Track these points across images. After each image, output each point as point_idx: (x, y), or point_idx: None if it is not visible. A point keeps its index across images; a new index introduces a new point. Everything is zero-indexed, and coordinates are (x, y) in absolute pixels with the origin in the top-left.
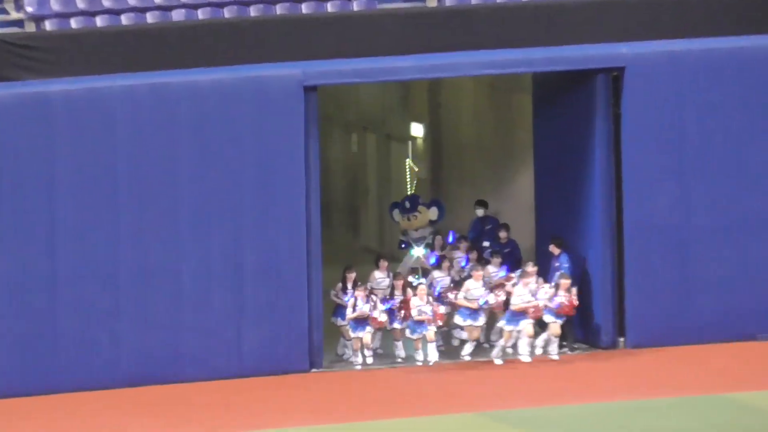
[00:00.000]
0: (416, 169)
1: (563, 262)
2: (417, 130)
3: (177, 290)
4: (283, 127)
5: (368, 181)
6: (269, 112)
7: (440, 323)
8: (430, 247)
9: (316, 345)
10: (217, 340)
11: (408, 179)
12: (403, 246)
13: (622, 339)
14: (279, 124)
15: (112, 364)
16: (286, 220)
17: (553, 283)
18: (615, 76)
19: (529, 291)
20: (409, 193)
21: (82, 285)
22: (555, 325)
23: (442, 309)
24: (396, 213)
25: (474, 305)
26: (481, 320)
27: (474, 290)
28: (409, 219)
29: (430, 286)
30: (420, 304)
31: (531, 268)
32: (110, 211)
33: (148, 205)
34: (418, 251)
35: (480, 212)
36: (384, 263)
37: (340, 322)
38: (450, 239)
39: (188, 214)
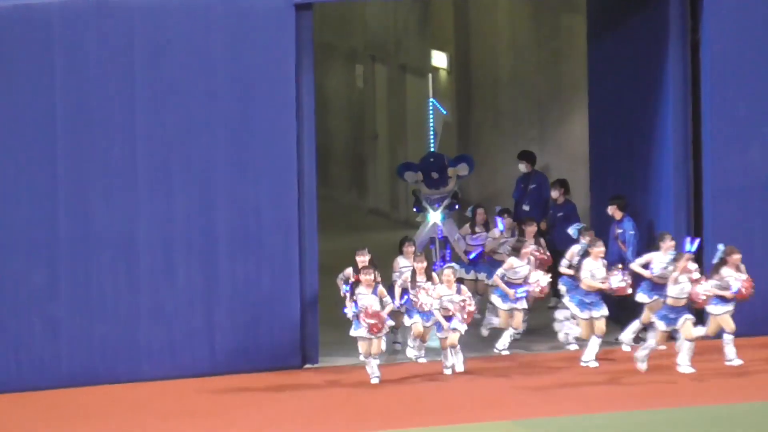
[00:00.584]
0: (444, 113)
1: (628, 229)
2: (439, 60)
3: (131, 265)
4: (267, 57)
5: (377, 125)
6: (250, 37)
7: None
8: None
9: (310, 334)
10: (182, 329)
11: (432, 128)
12: (416, 209)
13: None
14: (262, 52)
15: (48, 358)
16: (271, 175)
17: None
18: None
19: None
20: (431, 150)
21: (8, 257)
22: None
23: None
24: (410, 175)
25: (600, 284)
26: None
27: (597, 271)
28: (438, 188)
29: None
30: (447, 294)
31: (669, 241)
32: (45, 162)
33: (94, 154)
34: (435, 216)
35: (523, 167)
36: (410, 248)
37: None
38: (499, 226)
39: (145, 167)
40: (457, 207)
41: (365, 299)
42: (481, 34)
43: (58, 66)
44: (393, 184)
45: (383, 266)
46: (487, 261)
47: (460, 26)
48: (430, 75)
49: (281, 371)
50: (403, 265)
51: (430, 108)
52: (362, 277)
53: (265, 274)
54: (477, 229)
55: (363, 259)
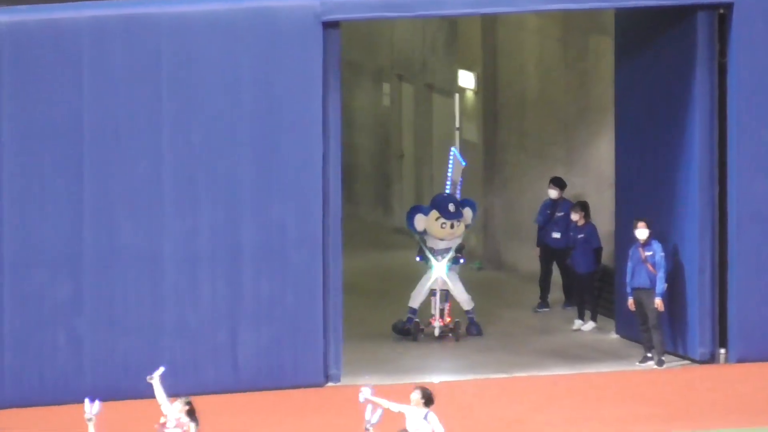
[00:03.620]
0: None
1: (658, 251)
2: (466, 80)
3: (155, 280)
4: (294, 74)
5: (403, 144)
6: (277, 55)
7: None
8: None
9: (333, 352)
10: (206, 345)
11: (450, 174)
12: (419, 258)
13: (723, 351)
14: (289, 69)
15: (71, 372)
16: (296, 192)
17: None
18: (721, 14)
19: None
20: (446, 192)
21: (33, 271)
22: None
23: None
24: (420, 220)
25: None
26: None
27: None
28: (452, 226)
29: None
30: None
31: None
32: (71, 177)
33: (120, 169)
34: (439, 267)
35: (554, 194)
36: (419, 397)
37: None
38: None
39: (170, 182)
40: (462, 261)
41: None
42: (509, 55)
43: (86, 80)
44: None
45: (405, 285)
46: None
47: (487, 46)
48: (456, 95)
49: (304, 389)
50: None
51: (450, 157)
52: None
53: (289, 292)
54: None
55: (182, 408)
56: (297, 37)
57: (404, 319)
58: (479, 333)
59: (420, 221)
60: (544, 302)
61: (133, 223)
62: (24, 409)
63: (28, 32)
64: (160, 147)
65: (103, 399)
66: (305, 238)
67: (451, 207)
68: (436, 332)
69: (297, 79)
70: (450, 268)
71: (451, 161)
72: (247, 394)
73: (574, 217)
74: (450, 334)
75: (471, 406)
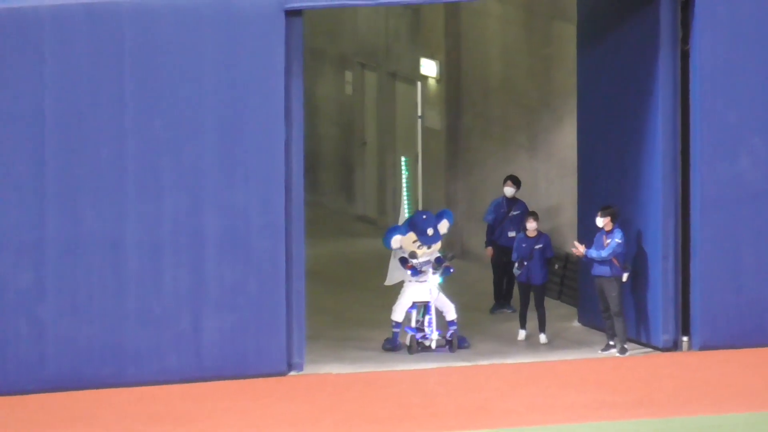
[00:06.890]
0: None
1: (615, 237)
2: (429, 68)
3: (117, 267)
4: (256, 62)
5: (366, 131)
6: (239, 42)
7: None
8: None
9: (296, 340)
10: (169, 333)
11: (404, 189)
12: (411, 272)
13: (686, 338)
14: (252, 57)
15: (33, 361)
16: (259, 179)
17: None
18: (684, 1)
19: None
20: (407, 212)
21: None
22: None
23: None
24: (396, 240)
25: None
26: None
27: None
28: (429, 247)
29: None
30: None
31: None
32: (34, 164)
33: (82, 156)
34: (434, 280)
35: (510, 191)
36: None
37: None
38: None
39: (133, 169)
40: (451, 270)
41: None
42: (472, 41)
43: (48, 69)
44: (381, 191)
45: (368, 273)
46: None
47: (450, 33)
48: (419, 83)
49: (266, 377)
50: None
51: (403, 167)
52: None
53: (252, 279)
54: None
55: None
56: (260, 24)
57: (389, 335)
58: (468, 345)
59: (396, 241)
60: (501, 303)
61: (96, 209)
62: None
63: None
64: (123, 134)
65: (64, 388)
66: (268, 226)
67: (430, 231)
68: (434, 345)
69: (260, 67)
70: (443, 279)
71: (404, 171)
72: (210, 383)
73: (531, 225)
74: (446, 346)
75: (434, 394)
